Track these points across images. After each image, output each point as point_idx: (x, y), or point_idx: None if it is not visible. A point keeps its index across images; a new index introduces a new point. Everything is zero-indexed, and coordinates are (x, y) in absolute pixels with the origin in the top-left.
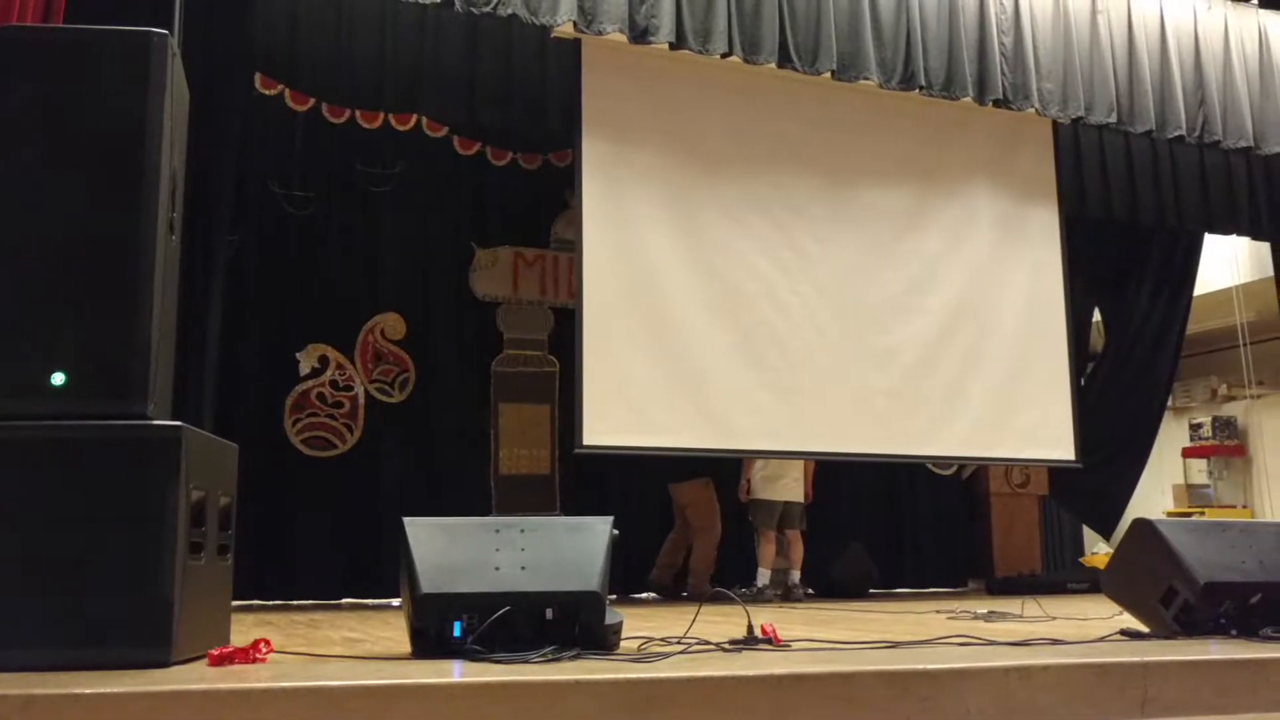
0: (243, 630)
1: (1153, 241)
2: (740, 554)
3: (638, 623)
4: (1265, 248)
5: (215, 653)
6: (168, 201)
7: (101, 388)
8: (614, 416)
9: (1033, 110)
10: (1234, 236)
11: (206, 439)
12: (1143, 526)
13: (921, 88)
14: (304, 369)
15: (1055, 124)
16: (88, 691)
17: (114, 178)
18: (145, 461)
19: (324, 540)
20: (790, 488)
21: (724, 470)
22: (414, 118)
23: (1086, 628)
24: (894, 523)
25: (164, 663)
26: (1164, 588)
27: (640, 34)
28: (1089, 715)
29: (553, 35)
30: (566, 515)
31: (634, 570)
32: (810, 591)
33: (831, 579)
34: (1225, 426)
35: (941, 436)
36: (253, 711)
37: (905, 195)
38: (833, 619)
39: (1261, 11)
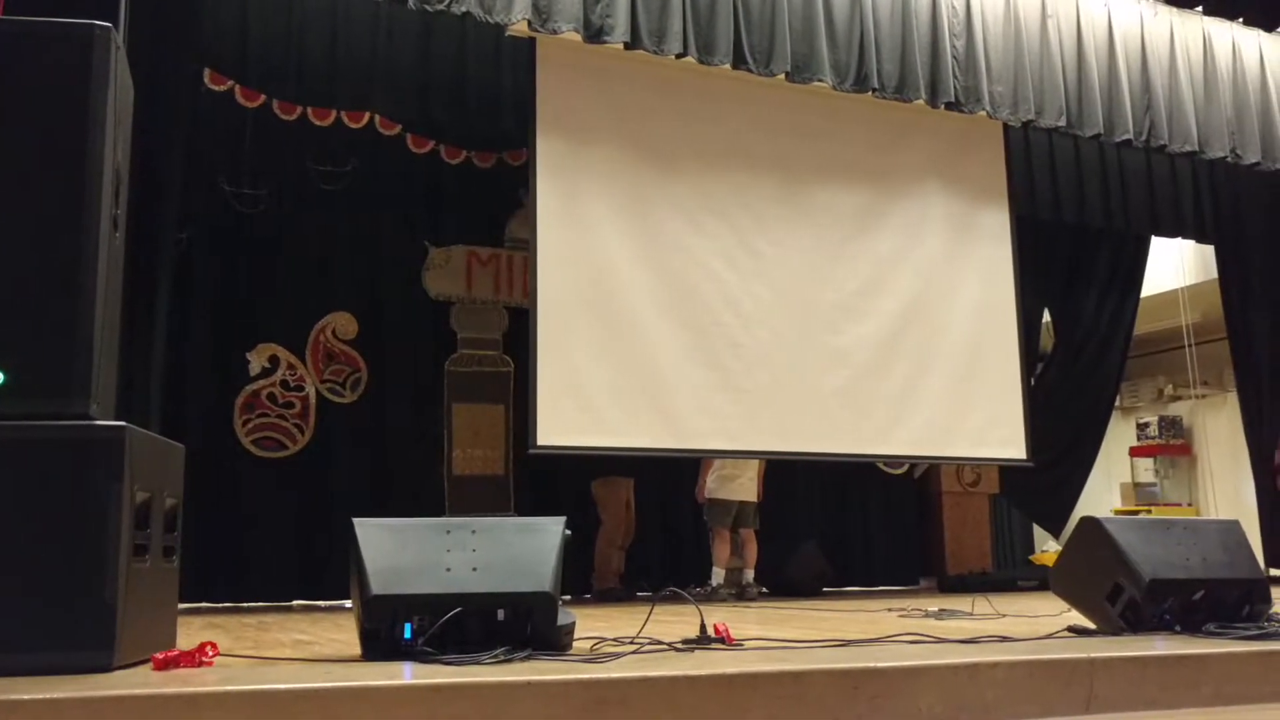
0: (190, 633)
1: (1101, 244)
2: (696, 553)
3: (591, 623)
4: (1209, 250)
5: (160, 656)
6: (111, 197)
7: (42, 387)
8: (568, 417)
9: (984, 113)
10: (1179, 239)
11: (152, 439)
12: (1090, 525)
13: (875, 90)
14: (254, 369)
15: (1006, 127)
16: (28, 697)
17: (55, 173)
18: (87, 462)
19: (275, 542)
20: (746, 487)
21: (665, 471)
22: (367, 115)
23: (1035, 625)
24: (847, 522)
25: (106, 667)
26: (1110, 585)
27: (595, 33)
28: (1036, 711)
29: (507, 34)
30: (521, 516)
31: (587, 571)
32: (764, 591)
33: (785, 578)
34: (1171, 426)
35: (894, 436)
36: (197, 716)
37: (858, 196)
38: (786, 618)
39: (1206, 18)
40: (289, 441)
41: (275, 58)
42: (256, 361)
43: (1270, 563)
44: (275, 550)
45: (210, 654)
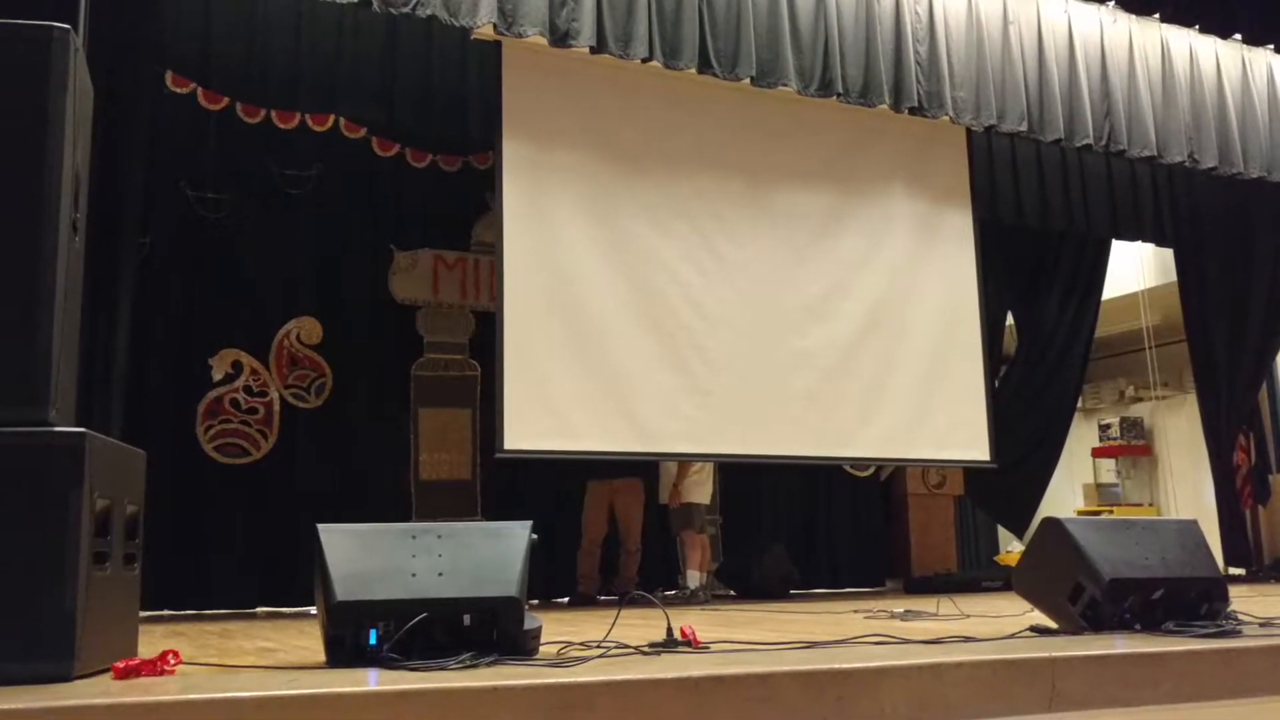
0: (152, 642)
1: (1063, 247)
2: (662, 558)
3: (558, 627)
4: (1169, 254)
5: (121, 665)
6: (70, 201)
7: (0, 393)
8: (535, 421)
9: (947, 118)
10: (1139, 243)
11: (112, 445)
12: (1051, 525)
13: (839, 95)
14: (217, 375)
15: (969, 131)
16: None
17: (13, 176)
18: (47, 469)
19: (238, 549)
20: (708, 490)
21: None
22: (331, 118)
23: (999, 625)
24: (813, 524)
25: (66, 677)
26: (1071, 584)
27: (561, 37)
28: (999, 710)
29: (472, 37)
30: (488, 521)
31: (555, 575)
32: (732, 594)
33: (752, 581)
34: (1132, 427)
35: (859, 438)
36: None
37: (823, 200)
38: (753, 620)
39: (1163, 26)
40: (252, 448)
41: (238, 60)
42: (219, 367)
43: (1228, 561)
44: (238, 557)
45: (172, 662)
